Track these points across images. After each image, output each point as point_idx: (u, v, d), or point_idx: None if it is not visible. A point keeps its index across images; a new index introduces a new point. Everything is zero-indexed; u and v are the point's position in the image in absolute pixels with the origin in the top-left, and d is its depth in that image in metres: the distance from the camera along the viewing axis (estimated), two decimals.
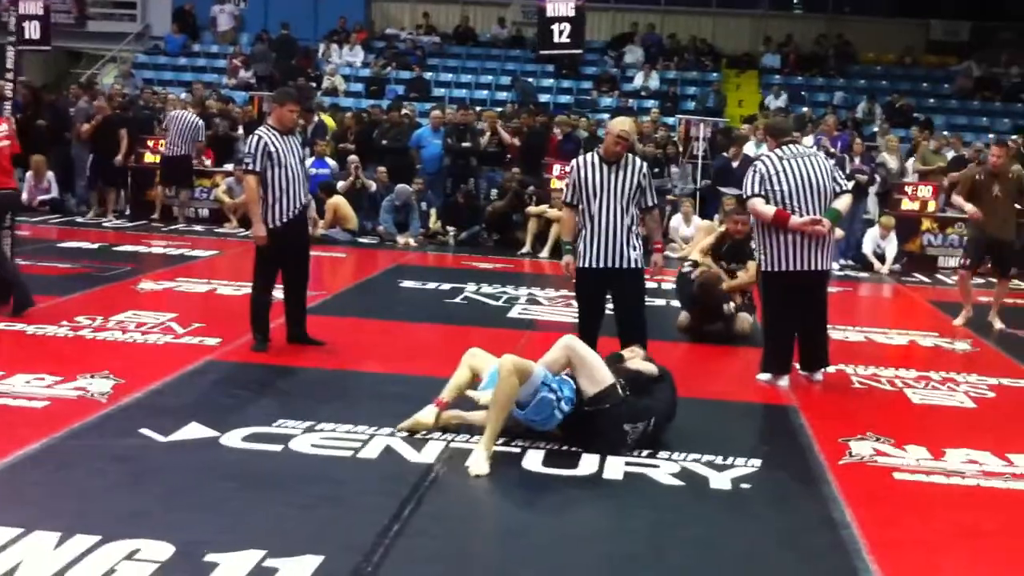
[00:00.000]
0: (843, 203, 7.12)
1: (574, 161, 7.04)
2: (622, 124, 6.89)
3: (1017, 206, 10.44)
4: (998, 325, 9.91)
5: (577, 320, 7.16)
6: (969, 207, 9.86)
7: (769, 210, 6.91)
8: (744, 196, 7.27)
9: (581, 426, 5.49)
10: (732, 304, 8.62)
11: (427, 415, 5.67)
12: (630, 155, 6.87)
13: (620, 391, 5.52)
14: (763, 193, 6.96)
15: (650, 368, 5.98)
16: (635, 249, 6.80)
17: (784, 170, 6.96)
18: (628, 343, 6.48)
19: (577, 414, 5.46)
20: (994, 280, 10.57)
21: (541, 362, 5.53)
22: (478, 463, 5.14)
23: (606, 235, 6.75)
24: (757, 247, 7.24)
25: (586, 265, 6.84)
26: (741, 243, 8.86)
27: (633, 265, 6.81)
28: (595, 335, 6.83)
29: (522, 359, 5.44)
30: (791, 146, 7.14)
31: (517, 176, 14.76)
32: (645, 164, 6.91)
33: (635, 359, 6.05)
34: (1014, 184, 10.06)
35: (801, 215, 6.89)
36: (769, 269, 7.07)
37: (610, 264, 6.78)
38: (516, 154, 15.73)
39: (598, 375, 5.53)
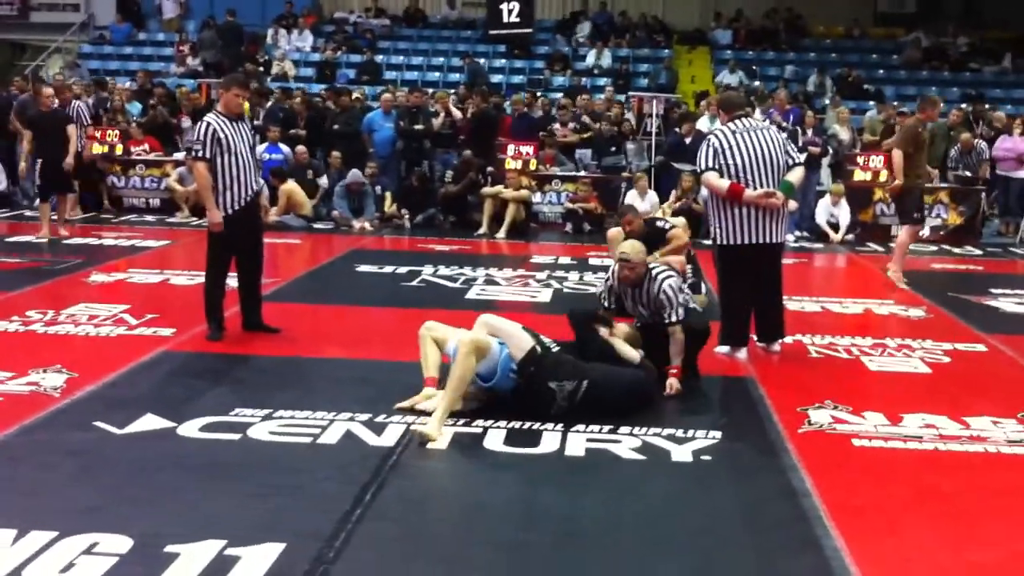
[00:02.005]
0: (796, 175, 7.15)
1: (610, 271, 6.73)
2: (622, 247, 6.53)
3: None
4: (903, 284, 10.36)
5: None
6: (897, 181, 10.19)
7: (723, 183, 6.93)
8: (698, 170, 7.27)
9: (517, 391, 5.70)
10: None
11: (427, 394, 5.75)
12: (654, 271, 6.48)
13: (538, 350, 5.69)
14: (717, 167, 6.98)
15: (626, 350, 6.07)
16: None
17: (737, 144, 6.98)
18: None
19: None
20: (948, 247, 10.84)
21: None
22: (430, 429, 5.25)
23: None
24: (711, 221, 7.24)
25: None
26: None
27: None
28: None
29: (482, 337, 5.58)
30: (743, 120, 7.15)
31: (473, 160, 14.68)
32: (670, 279, 6.44)
33: (617, 337, 6.18)
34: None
35: (755, 188, 6.91)
36: (723, 243, 7.09)
37: None
38: (468, 134, 15.66)
39: (521, 342, 5.70)
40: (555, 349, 5.81)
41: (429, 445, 5.19)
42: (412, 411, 5.68)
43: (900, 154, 10.17)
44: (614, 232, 9.01)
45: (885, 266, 10.76)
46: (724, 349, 7.23)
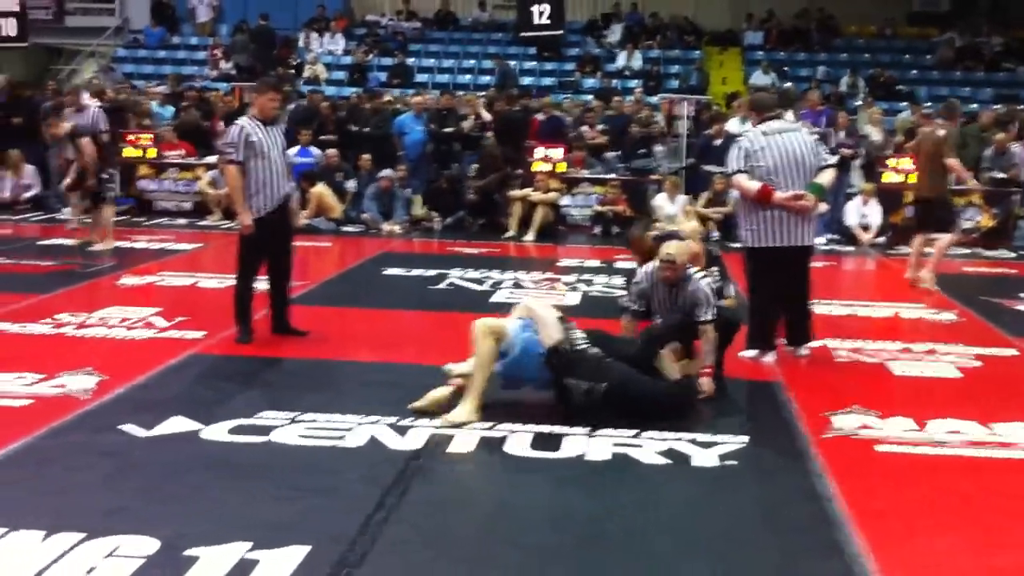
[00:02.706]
0: (826, 177, 7.11)
1: (641, 273, 6.77)
2: (667, 247, 6.54)
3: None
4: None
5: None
6: (965, 173, 10.57)
7: (753, 186, 6.90)
8: (728, 172, 7.25)
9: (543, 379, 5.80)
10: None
11: (442, 391, 5.85)
12: (690, 272, 6.55)
13: (564, 347, 5.73)
14: (747, 169, 6.95)
15: (666, 364, 6.09)
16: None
17: (768, 145, 6.95)
18: None
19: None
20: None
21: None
22: (459, 414, 5.53)
23: None
24: (741, 224, 7.21)
25: None
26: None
27: None
28: None
29: (495, 320, 5.87)
30: (774, 121, 7.12)
31: (496, 151, 14.67)
32: (707, 279, 6.59)
33: (667, 359, 6.19)
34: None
35: (784, 190, 6.88)
36: (753, 245, 7.05)
37: None
38: (495, 136, 15.67)
39: (550, 331, 5.76)
40: (582, 346, 5.79)
41: (464, 428, 5.43)
42: (427, 413, 5.72)
43: (956, 160, 10.38)
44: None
45: (916, 275, 10.62)
46: (751, 353, 7.19)
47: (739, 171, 6.98)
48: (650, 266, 6.71)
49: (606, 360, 5.80)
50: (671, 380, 6.03)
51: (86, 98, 12.77)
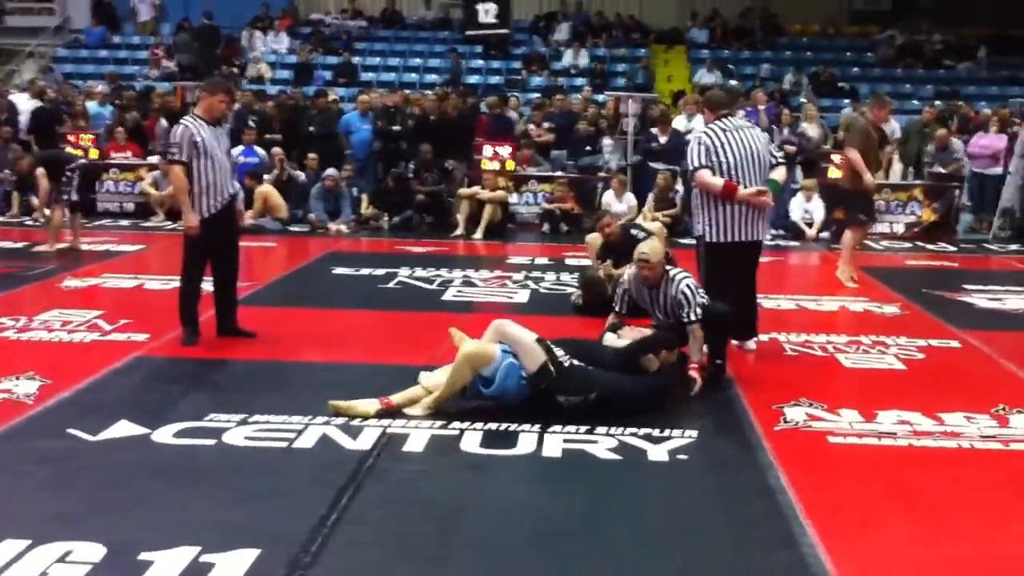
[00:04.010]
0: (780, 174, 7.21)
1: (626, 276, 6.97)
2: (642, 247, 6.75)
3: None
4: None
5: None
6: (868, 177, 10.15)
7: (717, 182, 6.91)
8: (690, 168, 7.17)
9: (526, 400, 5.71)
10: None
11: (367, 405, 5.66)
12: (671, 272, 6.73)
13: (551, 368, 5.64)
14: (709, 165, 6.97)
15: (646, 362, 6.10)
16: None
17: (728, 142, 6.97)
18: None
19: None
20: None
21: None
22: (418, 408, 5.64)
23: None
24: (700, 219, 7.18)
25: None
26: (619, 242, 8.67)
27: None
28: None
29: (484, 347, 5.72)
30: (729, 119, 7.16)
31: (429, 151, 14.66)
32: (687, 279, 6.68)
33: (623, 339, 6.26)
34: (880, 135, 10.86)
35: (745, 186, 6.93)
36: (714, 240, 7.05)
37: None
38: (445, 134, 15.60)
39: (533, 355, 5.66)
40: (566, 364, 5.73)
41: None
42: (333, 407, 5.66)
43: (857, 154, 10.14)
44: (592, 237, 9.04)
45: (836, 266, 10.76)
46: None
47: (702, 167, 6.99)
48: (634, 269, 6.84)
49: (589, 370, 5.78)
50: (651, 374, 6.04)
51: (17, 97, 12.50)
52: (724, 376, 6.63)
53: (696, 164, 7.02)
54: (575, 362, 5.78)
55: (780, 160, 7.25)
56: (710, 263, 7.17)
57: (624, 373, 5.92)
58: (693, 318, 6.52)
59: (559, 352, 5.78)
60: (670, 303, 6.65)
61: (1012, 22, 24.04)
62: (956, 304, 9.52)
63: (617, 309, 6.96)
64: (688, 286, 6.60)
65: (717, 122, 7.10)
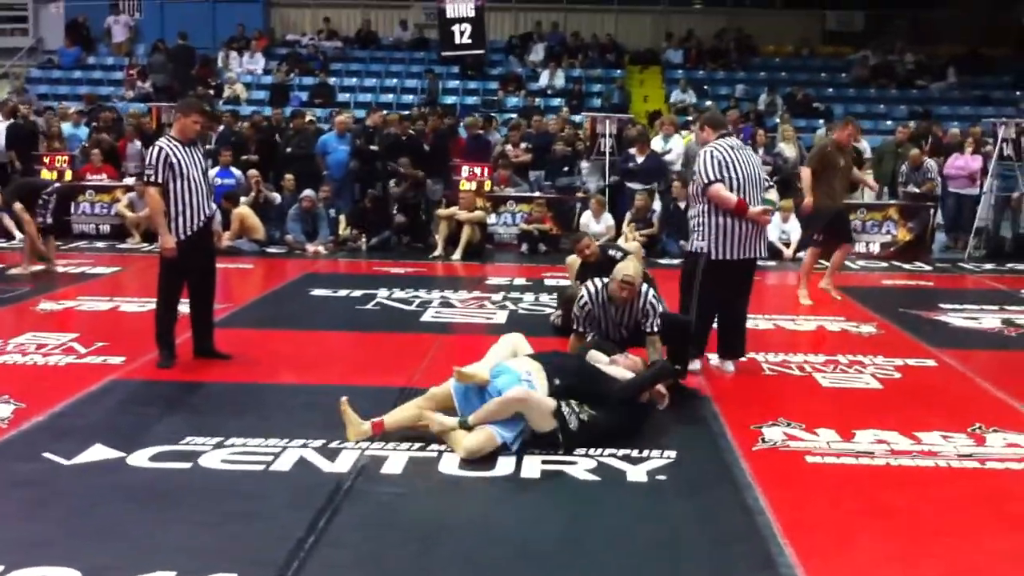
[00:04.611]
0: (773, 195, 7.39)
1: (587, 295, 6.98)
2: (626, 269, 6.85)
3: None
4: (837, 296, 10.64)
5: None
6: (808, 199, 10.25)
7: (732, 197, 6.95)
8: (703, 182, 7.07)
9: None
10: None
11: (361, 426, 5.62)
12: (641, 289, 6.86)
13: (558, 436, 5.51)
14: (722, 179, 7.00)
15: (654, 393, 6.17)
16: None
17: (736, 159, 7.03)
18: None
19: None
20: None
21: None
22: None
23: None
24: (701, 234, 7.13)
25: None
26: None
27: None
28: None
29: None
30: (730, 138, 7.23)
31: (408, 164, 14.68)
32: (652, 291, 6.92)
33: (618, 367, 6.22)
34: (851, 157, 10.83)
35: (750, 204, 7.01)
36: (716, 256, 7.07)
37: None
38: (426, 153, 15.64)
39: (543, 422, 5.51)
40: (573, 424, 5.57)
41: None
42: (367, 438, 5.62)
43: (808, 172, 10.28)
44: (572, 258, 9.05)
45: (829, 286, 10.85)
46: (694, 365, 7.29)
47: (717, 180, 6.99)
48: (594, 286, 6.87)
49: (593, 416, 5.67)
50: (640, 403, 6.07)
51: None
52: (687, 388, 6.73)
53: (711, 177, 7.00)
54: (582, 418, 5.62)
55: (771, 183, 7.37)
56: (705, 278, 7.16)
57: (623, 404, 5.89)
58: (655, 328, 6.78)
59: (568, 408, 5.61)
60: (634, 316, 6.79)
61: (982, 41, 24.32)
62: (932, 323, 9.57)
63: (580, 330, 6.98)
64: (655, 296, 6.87)
65: (721, 140, 7.14)
